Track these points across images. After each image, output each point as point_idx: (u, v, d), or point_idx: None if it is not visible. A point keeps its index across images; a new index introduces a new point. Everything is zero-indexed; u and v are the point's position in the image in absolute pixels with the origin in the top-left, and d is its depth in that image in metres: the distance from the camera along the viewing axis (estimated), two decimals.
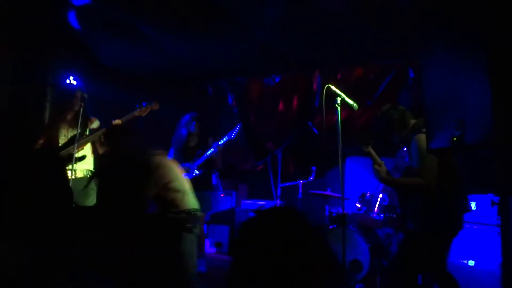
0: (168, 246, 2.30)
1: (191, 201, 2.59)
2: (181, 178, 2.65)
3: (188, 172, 4.33)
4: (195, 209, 2.56)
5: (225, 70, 5.76)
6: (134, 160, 2.31)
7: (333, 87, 2.83)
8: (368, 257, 3.81)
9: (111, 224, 1.43)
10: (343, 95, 2.83)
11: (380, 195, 4.32)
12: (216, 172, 5.20)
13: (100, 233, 1.34)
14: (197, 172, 4.32)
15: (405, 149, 3.30)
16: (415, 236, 2.73)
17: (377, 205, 4.24)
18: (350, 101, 2.84)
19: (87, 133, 3.62)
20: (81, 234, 1.32)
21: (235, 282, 0.99)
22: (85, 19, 4.18)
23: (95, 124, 3.72)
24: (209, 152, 4.28)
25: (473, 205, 3.56)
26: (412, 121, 2.77)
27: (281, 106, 5.89)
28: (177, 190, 2.53)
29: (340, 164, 2.78)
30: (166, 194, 2.47)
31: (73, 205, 1.36)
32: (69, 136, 3.56)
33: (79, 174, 3.57)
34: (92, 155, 3.71)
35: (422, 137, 2.45)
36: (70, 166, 3.38)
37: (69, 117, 3.61)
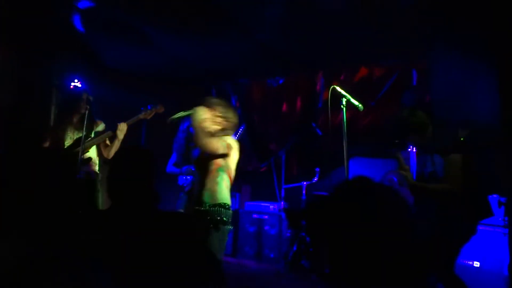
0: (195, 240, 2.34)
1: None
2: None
3: (192, 175, 4.34)
4: (229, 205, 2.67)
5: (229, 72, 5.78)
6: None
7: (338, 88, 2.84)
8: None
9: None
10: (349, 96, 2.84)
11: None
12: None
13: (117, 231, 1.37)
14: None
15: (410, 149, 3.29)
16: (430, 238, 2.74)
17: None
18: (356, 102, 2.85)
19: (93, 135, 3.63)
20: (93, 234, 1.33)
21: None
22: (90, 21, 4.20)
23: (101, 126, 3.73)
24: None
25: None
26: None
27: (284, 107, 5.89)
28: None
29: (345, 165, 2.78)
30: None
31: (82, 205, 1.37)
32: (74, 139, 3.58)
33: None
34: (98, 158, 3.72)
35: (457, 158, 2.46)
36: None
37: (75, 119, 3.62)
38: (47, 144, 3.63)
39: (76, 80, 3.97)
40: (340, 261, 0.95)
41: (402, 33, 4.21)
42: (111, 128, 3.66)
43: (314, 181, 4.91)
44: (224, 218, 2.62)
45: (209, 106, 2.82)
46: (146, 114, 3.76)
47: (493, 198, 3.58)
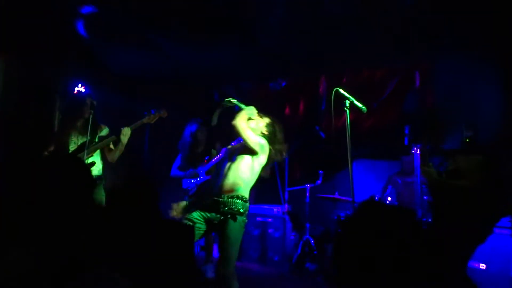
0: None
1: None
2: None
3: (197, 178, 4.35)
4: (246, 198, 2.90)
5: (231, 75, 5.79)
6: None
7: (341, 90, 2.84)
8: None
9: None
10: (352, 98, 2.84)
11: (389, 198, 4.31)
12: None
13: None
14: (205, 176, 4.35)
15: (414, 151, 3.28)
16: (447, 237, 2.74)
17: None
18: (359, 104, 2.85)
19: (96, 140, 3.64)
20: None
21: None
22: (93, 27, 4.23)
23: (104, 131, 3.74)
24: (217, 157, 4.30)
25: None
26: None
27: (287, 110, 5.90)
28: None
29: (350, 167, 2.77)
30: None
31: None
32: (79, 143, 3.59)
33: None
34: (101, 162, 3.73)
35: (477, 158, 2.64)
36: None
37: (79, 124, 3.63)
38: (51, 149, 3.64)
39: (80, 85, 3.99)
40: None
41: (404, 35, 4.22)
42: (115, 133, 3.67)
43: (317, 184, 4.91)
44: (241, 210, 2.83)
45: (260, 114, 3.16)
46: (149, 119, 3.77)
47: None
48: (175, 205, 3.15)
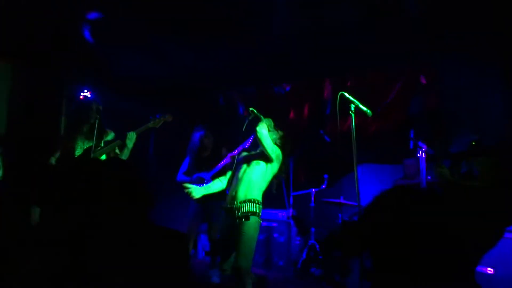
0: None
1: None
2: None
3: (203, 183, 4.35)
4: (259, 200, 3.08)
5: (236, 80, 5.81)
6: None
7: (346, 94, 2.84)
8: None
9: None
10: (357, 102, 2.84)
11: None
12: None
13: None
14: (211, 182, 4.34)
15: (419, 155, 3.27)
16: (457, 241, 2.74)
17: None
18: (364, 108, 2.84)
19: (102, 144, 3.66)
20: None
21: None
22: (99, 32, 4.26)
23: (110, 136, 3.76)
24: (222, 163, 4.31)
25: None
26: None
27: (292, 114, 5.90)
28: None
29: (355, 171, 2.77)
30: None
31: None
32: (84, 148, 3.61)
33: None
34: None
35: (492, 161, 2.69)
36: None
37: (85, 129, 3.65)
38: (58, 154, 3.67)
39: (85, 90, 4.01)
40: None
41: (409, 39, 4.22)
42: (121, 137, 3.68)
43: (322, 188, 4.89)
44: (254, 210, 3.03)
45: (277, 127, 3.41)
46: (154, 123, 3.78)
47: None
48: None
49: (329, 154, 5.20)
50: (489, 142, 2.67)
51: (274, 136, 3.34)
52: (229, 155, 4.27)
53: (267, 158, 3.17)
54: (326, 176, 4.89)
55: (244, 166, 3.24)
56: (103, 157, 3.65)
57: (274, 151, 3.18)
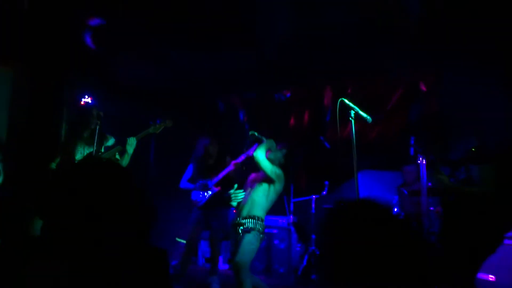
0: None
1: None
2: None
3: (207, 190, 4.37)
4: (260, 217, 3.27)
5: (236, 86, 5.83)
6: None
7: (346, 101, 2.84)
8: None
9: None
10: (357, 108, 2.84)
11: (395, 209, 4.28)
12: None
13: None
14: (214, 188, 4.38)
15: (420, 161, 3.27)
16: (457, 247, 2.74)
17: None
18: (364, 114, 2.85)
19: (103, 150, 3.66)
20: None
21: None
22: (100, 38, 4.28)
23: (110, 141, 3.77)
24: (225, 170, 4.36)
25: None
26: None
27: (292, 121, 5.91)
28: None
29: (355, 177, 2.76)
30: None
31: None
32: (85, 154, 3.61)
33: None
34: None
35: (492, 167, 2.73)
36: None
37: (85, 134, 3.66)
38: (58, 160, 3.67)
39: (86, 96, 4.03)
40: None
41: (408, 46, 4.24)
42: (121, 143, 3.69)
43: (323, 195, 4.88)
44: (254, 226, 3.21)
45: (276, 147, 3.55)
46: (155, 129, 3.79)
47: None
48: None
49: (330, 161, 5.20)
50: (490, 148, 2.68)
51: (279, 156, 3.48)
52: (233, 162, 4.29)
53: (269, 179, 3.35)
54: (326, 182, 4.88)
55: (249, 187, 3.48)
56: None
57: (273, 172, 3.34)
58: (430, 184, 3.50)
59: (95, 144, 3.41)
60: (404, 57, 4.45)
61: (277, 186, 3.38)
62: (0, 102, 4.22)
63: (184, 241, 5.19)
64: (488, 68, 3.88)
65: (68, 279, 1.08)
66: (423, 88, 4.87)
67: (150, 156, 4.78)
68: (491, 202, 2.62)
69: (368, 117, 2.88)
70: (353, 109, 2.85)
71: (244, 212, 3.32)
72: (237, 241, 3.28)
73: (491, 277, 3.52)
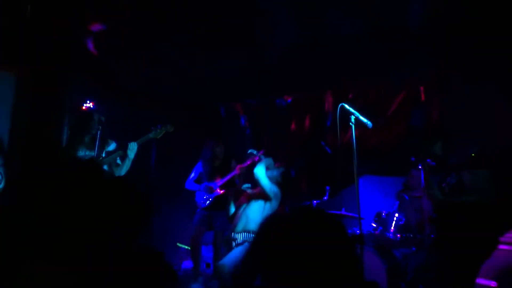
0: None
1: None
2: None
3: (212, 192, 4.41)
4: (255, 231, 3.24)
5: (238, 92, 5.84)
6: None
7: (346, 106, 2.85)
8: (385, 279, 3.72)
9: None
10: (357, 114, 2.85)
11: (396, 214, 4.26)
12: None
13: None
14: (219, 191, 4.44)
15: (421, 167, 3.27)
16: (456, 254, 2.74)
17: (393, 224, 4.18)
18: (364, 120, 2.86)
19: (104, 155, 3.67)
20: None
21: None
22: (102, 43, 4.31)
23: (111, 146, 3.78)
24: (230, 174, 4.43)
25: None
26: None
27: (293, 126, 5.92)
28: None
29: (356, 183, 2.77)
30: None
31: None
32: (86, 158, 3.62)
33: None
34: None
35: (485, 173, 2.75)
36: None
37: (86, 139, 3.67)
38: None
39: (88, 101, 4.05)
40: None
41: (410, 52, 4.25)
42: (122, 147, 3.70)
43: (324, 200, 4.87)
44: (248, 238, 3.26)
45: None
46: (156, 134, 3.80)
47: None
48: None
49: (331, 166, 5.20)
50: (490, 154, 2.68)
51: (275, 174, 3.57)
52: (238, 167, 4.34)
53: (265, 196, 3.44)
54: (327, 187, 4.87)
55: (245, 203, 3.56)
56: (104, 167, 3.67)
57: (272, 190, 3.45)
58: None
59: (96, 149, 3.42)
60: (405, 62, 4.46)
61: (273, 204, 3.47)
62: (2, 107, 4.24)
63: (185, 246, 5.19)
64: (489, 74, 3.89)
65: (65, 281, 1.08)
66: (424, 93, 4.87)
67: (151, 161, 4.80)
68: (483, 210, 2.64)
69: (368, 122, 2.88)
70: (353, 114, 2.86)
71: (239, 227, 3.39)
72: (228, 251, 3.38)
73: (493, 283, 3.50)
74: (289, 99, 5.92)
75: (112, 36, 4.18)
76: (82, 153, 3.65)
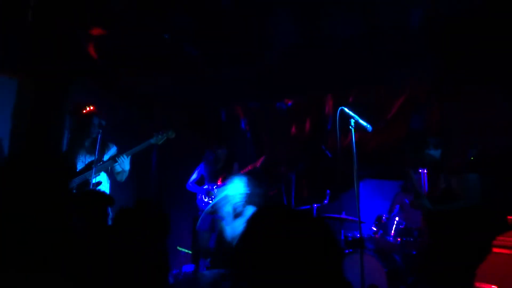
0: None
1: None
2: None
3: (211, 196, 4.42)
4: None
5: (238, 95, 5.86)
6: None
7: (346, 110, 2.86)
8: (385, 282, 3.71)
9: None
10: (357, 117, 2.85)
11: (397, 218, 4.26)
12: None
13: None
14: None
15: (421, 170, 3.27)
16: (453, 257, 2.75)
17: (393, 228, 4.17)
18: (364, 123, 2.86)
19: (104, 159, 3.67)
20: None
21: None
22: (103, 47, 4.32)
23: (112, 150, 3.78)
24: (231, 179, 4.46)
25: None
26: None
27: (293, 130, 5.92)
28: None
29: (356, 186, 2.77)
30: None
31: None
32: (86, 162, 3.62)
33: None
34: (108, 181, 3.76)
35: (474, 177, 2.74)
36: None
37: (87, 143, 3.68)
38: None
39: (89, 105, 4.06)
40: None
41: (410, 55, 4.25)
42: (123, 151, 3.70)
43: (324, 203, 4.86)
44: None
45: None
46: (157, 140, 3.79)
47: None
48: None
49: (331, 169, 5.20)
50: (489, 157, 2.69)
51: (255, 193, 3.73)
52: (240, 172, 4.39)
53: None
54: (328, 191, 4.86)
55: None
56: (103, 173, 3.66)
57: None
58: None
59: (96, 153, 3.42)
60: (405, 65, 4.46)
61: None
62: (4, 110, 4.25)
63: (186, 250, 5.19)
64: (490, 77, 3.89)
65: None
66: (425, 96, 4.88)
67: (152, 164, 4.81)
68: (472, 214, 2.64)
69: (368, 126, 2.89)
70: (353, 118, 2.86)
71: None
72: None
73: (493, 287, 3.49)
74: (290, 103, 5.93)
75: (112, 40, 4.19)
76: (82, 157, 3.65)
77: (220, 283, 3.24)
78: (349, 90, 5.42)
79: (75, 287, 1.11)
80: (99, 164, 3.54)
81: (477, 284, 3.24)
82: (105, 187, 3.72)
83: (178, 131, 4.04)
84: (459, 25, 3.71)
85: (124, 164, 3.56)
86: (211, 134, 5.69)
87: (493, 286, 3.49)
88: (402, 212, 4.38)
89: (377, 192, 5.18)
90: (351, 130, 2.88)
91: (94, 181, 3.47)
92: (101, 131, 3.53)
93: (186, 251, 5.28)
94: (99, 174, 3.62)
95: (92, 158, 3.50)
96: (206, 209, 4.27)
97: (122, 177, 3.70)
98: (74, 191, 3.48)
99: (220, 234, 4.46)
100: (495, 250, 3.19)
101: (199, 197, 4.61)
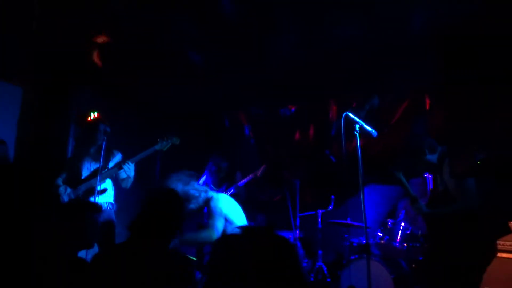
0: None
1: None
2: None
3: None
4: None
5: (242, 102, 5.87)
6: None
7: (351, 115, 2.85)
8: None
9: None
10: (362, 122, 2.85)
11: (402, 224, 4.23)
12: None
13: None
14: None
15: (426, 174, 3.26)
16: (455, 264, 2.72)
17: (399, 234, 4.14)
18: (369, 128, 2.85)
19: (109, 166, 3.68)
20: None
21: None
22: (107, 55, 4.35)
23: (117, 157, 3.78)
24: (233, 187, 4.50)
25: None
26: None
27: (297, 135, 5.92)
28: None
29: (361, 192, 2.75)
30: None
31: None
32: (91, 169, 3.63)
33: None
34: (113, 188, 3.75)
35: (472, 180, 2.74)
36: (92, 199, 3.44)
37: (92, 150, 3.69)
38: (64, 176, 3.69)
39: (94, 112, 4.07)
40: None
41: (413, 60, 4.26)
42: (128, 159, 3.69)
43: (329, 209, 4.85)
44: None
45: None
46: (162, 146, 3.78)
47: None
48: None
49: (336, 175, 5.18)
50: (495, 161, 2.68)
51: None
52: (240, 183, 4.42)
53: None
54: (333, 197, 4.85)
55: None
56: (108, 180, 3.66)
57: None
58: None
59: (101, 160, 3.42)
60: (408, 70, 4.46)
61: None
62: (9, 118, 4.28)
63: (191, 258, 5.17)
64: (493, 81, 3.88)
65: None
66: (428, 101, 4.87)
67: (156, 170, 4.79)
68: (470, 217, 2.62)
69: (373, 131, 2.88)
70: (357, 123, 2.86)
71: None
72: None
73: None
74: (293, 109, 5.94)
75: (117, 48, 4.22)
76: (88, 164, 3.65)
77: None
78: (353, 96, 5.42)
79: None
80: (104, 171, 3.54)
81: None
82: (110, 194, 3.72)
83: (182, 137, 4.05)
84: (461, 30, 3.72)
85: (129, 170, 3.56)
86: (215, 140, 5.71)
87: None
88: (408, 217, 4.35)
89: (382, 197, 5.16)
90: (355, 135, 2.87)
91: (99, 188, 3.47)
92: (106, 138, 3.53)
93: (192, 258, 5.27)
94: (105, 181, 3.63)
95: (98, 165, 3.50)
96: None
97: (127, 184, 3.70)
98: (80, 198, 3.48)
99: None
100: (500, 255, 3.16)
101: None
